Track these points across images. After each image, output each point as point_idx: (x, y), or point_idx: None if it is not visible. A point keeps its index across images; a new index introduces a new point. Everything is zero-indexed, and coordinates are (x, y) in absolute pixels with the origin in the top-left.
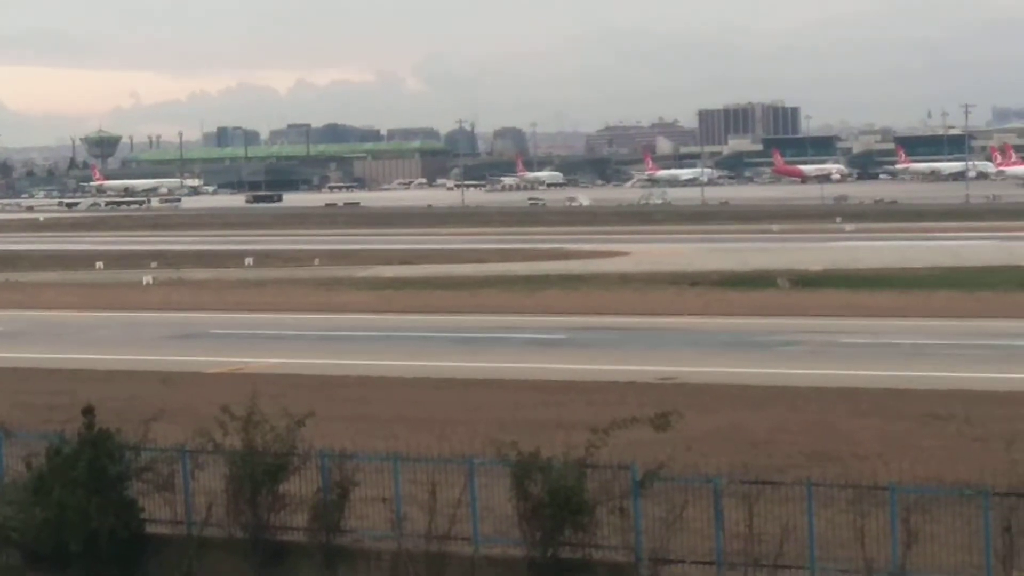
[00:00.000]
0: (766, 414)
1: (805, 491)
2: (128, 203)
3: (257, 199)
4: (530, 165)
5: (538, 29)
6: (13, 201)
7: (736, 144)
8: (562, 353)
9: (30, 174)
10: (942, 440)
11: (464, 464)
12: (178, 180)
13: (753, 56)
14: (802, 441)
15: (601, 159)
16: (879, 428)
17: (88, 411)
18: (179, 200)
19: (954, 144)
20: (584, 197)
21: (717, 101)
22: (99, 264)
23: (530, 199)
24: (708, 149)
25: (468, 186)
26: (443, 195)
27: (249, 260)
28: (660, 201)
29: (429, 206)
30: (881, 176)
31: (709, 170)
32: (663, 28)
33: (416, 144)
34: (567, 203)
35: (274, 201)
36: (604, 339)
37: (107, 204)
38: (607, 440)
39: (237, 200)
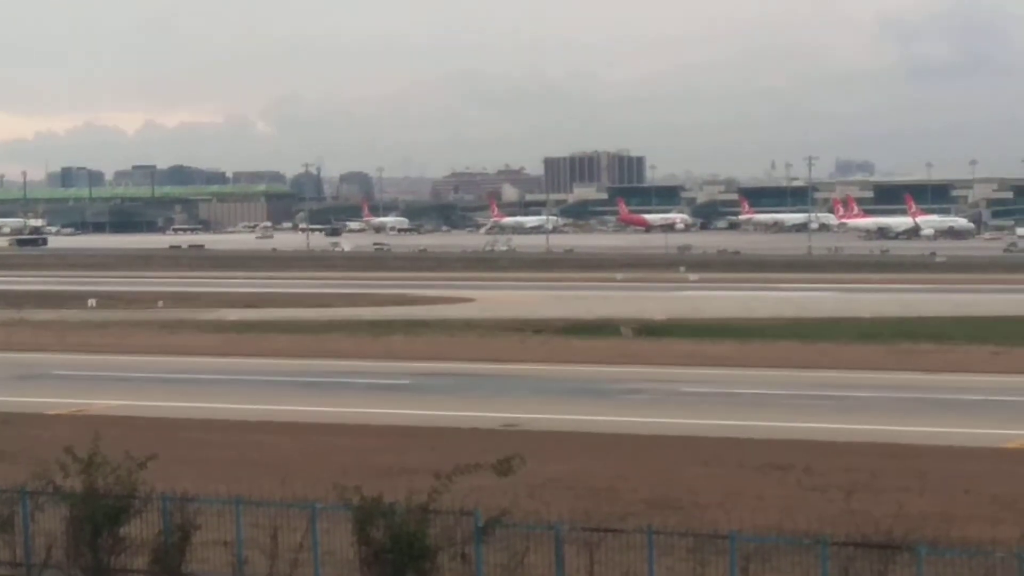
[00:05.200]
0: (608, 462)
1: (646, 539)
2: None
3: (22, 243)
4: (376, 210)
5: (387, 74)
6: None
7: (581, 192)
8: (406, 398)
9: None
10: (782, 489)
11: (306, 508)
12: (21, 220)
13: (600, 104)
14: (643, 489)
15: (447, 205)
16: (720, 477)
17: None
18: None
19: (797, 196)
20: (346, 243)
21: (563, 149)
22: None
23: (375, 244)
24: (554, 197)
25: (314, 230)
26: (289, 238)
27: (92, 301)
28: (505, 248)
29: (274, 249)
30: (718, 225)
31: (554, 218)
32: (511, 74)
33: (262, 187)
34: (330, 247)
35: (39, 245)
36: (448, 385)
37: None
38: (450, 486)
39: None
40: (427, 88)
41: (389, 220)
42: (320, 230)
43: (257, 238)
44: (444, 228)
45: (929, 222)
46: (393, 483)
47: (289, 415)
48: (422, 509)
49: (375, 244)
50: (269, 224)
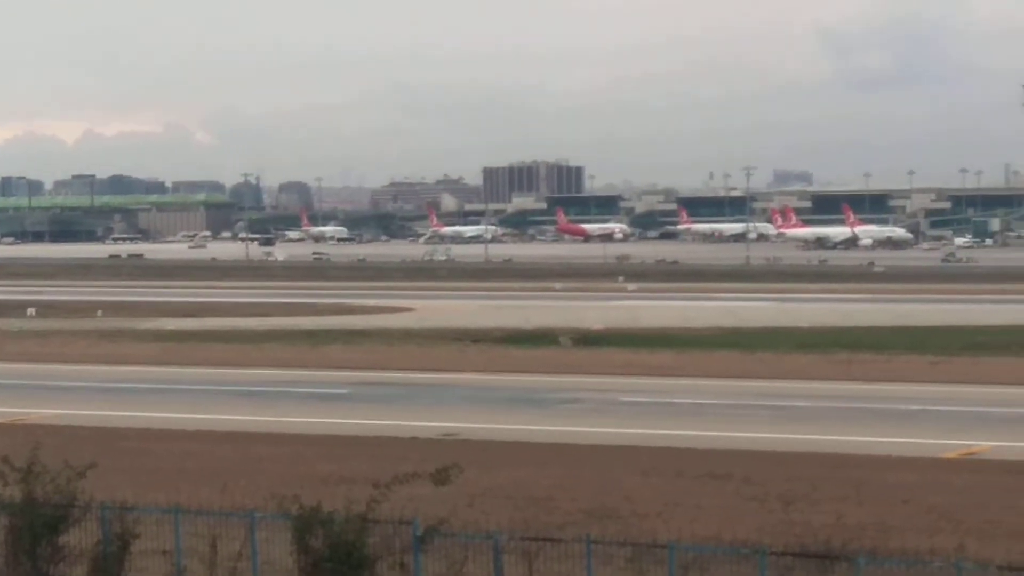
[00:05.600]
0: (547, 471)
1: (585, 548)
2: None
3: None
4: (315, 219)
5: (328, 84)
6: None
7: (520, 202)
8: (345, 408)
9: None
10: (721, 499)
11: (245, 518)
12: None
13: (540, 115)
14: (582, 498)
15: (386, 214)
16: (659, 486)
17: None
18: None
19: (735, 206)
20: (279, 252)
21: (503, 159)
22: None
23: (314, 253)
24: (493, 207)
25: (252, 240)
26: (226, 248)
27: (31, 310)
28: (444, 257)
29: (213, 259)
30: (650, 235)
31: (493, 227)
32: (451, 85)
33: (201, 197)
34: (264, 257)
35: None
36: (387, 394)
37: None
38: (389, 495)
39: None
40: (367, 98)
41: (328, 230)
42: (260, 239)
43: (190, 247)
44: (383, 238)
45: (867, 232)
46: (332, 492)
47: (228, 424)
48: (361, 518)
49: (314, 254)
50: (205, 234)
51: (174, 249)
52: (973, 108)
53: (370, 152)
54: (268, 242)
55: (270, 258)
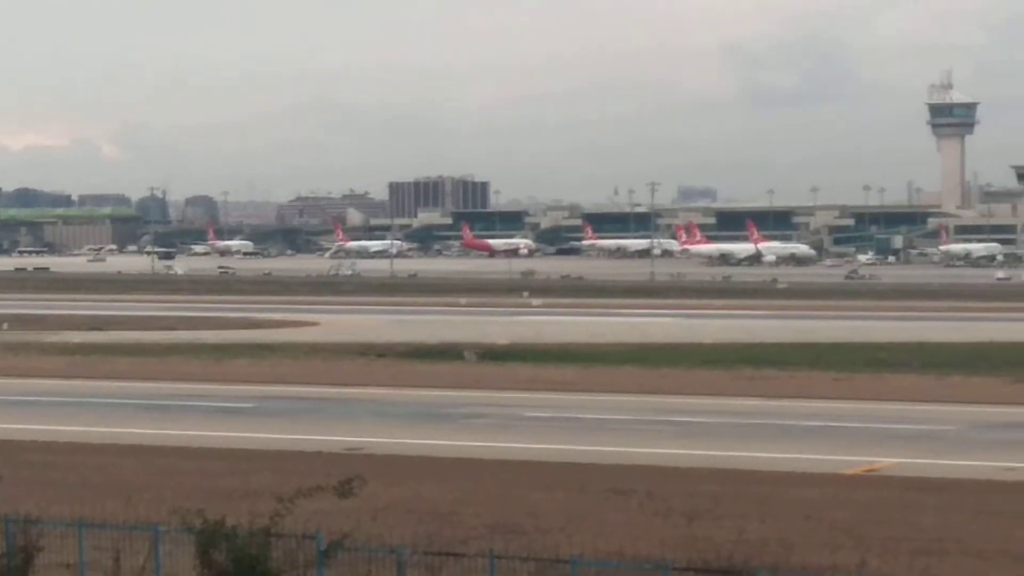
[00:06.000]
0: (451, 486)
1: (488, 563)
2: None
3: None
4: (221, 233)
5: (236, 101)
6: None
7: (426, 217)
8: (249, 422)
9: None
10: (625, 514)
11: (149, 531)
12: None
13: (447, 131)
14: (486, 513)
15: (292, 229)
16: (563, 501)
17: None
18: None
19: (640, 221)
20: (180, 266)
21: (409, 174)
22: None
23: (220, 267)
24: (398, 221)
25: (157, 253)
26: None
27: None
28: (350, 272)
29: (119, 272)
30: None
31: (399, 242)
32: (357, 100)
33: (107, 210)
34: (165, 271)
35: None
36: (292, 408)
37: None
38: (292, 509)
39: None
40: (274, 113)
41: (234, 244)
42: (165, 252)
43: (88, 261)
44: (289, 252)
45: (771, 249)
46: (236, 506)
47: (132, 438)
48: (264, 532)
49: (220, 268)
50: (110, 247)
51: (79, 263)
52: (877, 126)
53: (277, 167)
54: (168, 256)
55: (170, 271)
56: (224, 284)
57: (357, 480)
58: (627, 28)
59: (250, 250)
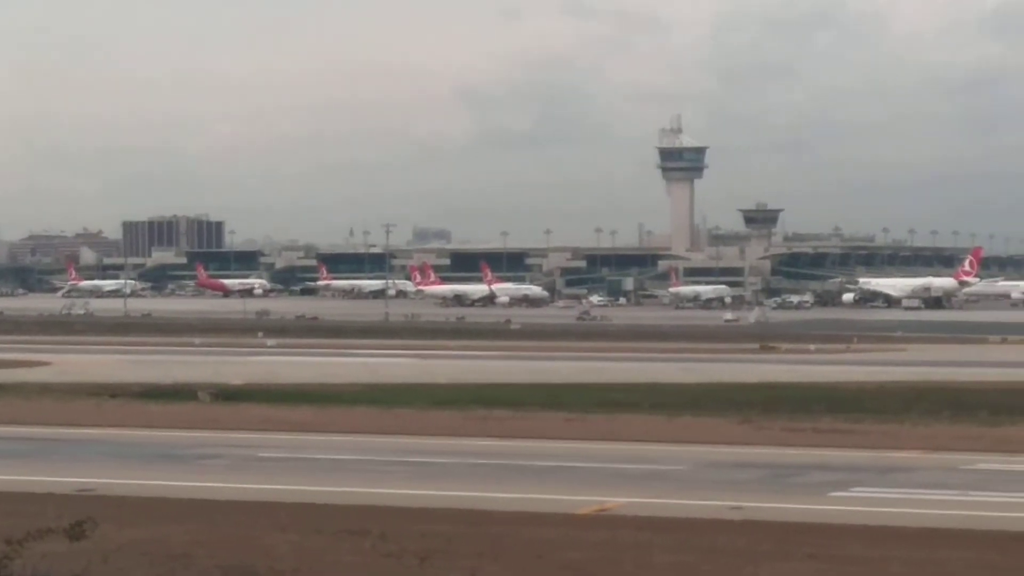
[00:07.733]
0: (185, 527)
1: None
2: None
3: None
4: None
5: None
6: None
7: (160, 256)
8: None
9: None
10: (358, 555)
11: None
12: None
13: (182, 171)
14: (220, 554)
15: (24, 267)
16: (297, 543)
17: None
18: None
19: (375, 262)
20: None
21: (143, 213)
22: None
23: None
24: (132, 261)
25: None
26: None
27: None
28: (83, 311)
29: None
30: (290, 291)
31: (132, 281)
32: (88, 136)
33: None
34: None
35: None
36: (21, 449)
37: None
38: (22, 552)
39: None
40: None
41: None
42: None
43: None
44: (21, 291)
45: (504, 289)
46: None
47: None
48: None
49: None
50: None
51: None
52: (611, 170)
53: (8, 206)
54: None
55: None
56: None
57: (89, 522)
58: (369, 80)
59: None
